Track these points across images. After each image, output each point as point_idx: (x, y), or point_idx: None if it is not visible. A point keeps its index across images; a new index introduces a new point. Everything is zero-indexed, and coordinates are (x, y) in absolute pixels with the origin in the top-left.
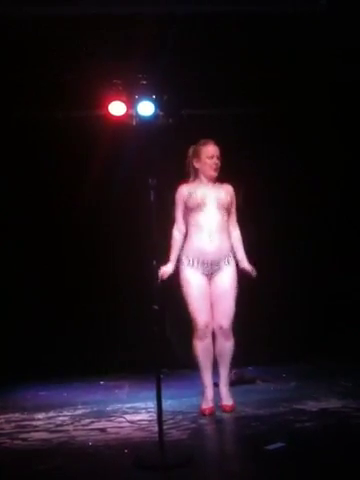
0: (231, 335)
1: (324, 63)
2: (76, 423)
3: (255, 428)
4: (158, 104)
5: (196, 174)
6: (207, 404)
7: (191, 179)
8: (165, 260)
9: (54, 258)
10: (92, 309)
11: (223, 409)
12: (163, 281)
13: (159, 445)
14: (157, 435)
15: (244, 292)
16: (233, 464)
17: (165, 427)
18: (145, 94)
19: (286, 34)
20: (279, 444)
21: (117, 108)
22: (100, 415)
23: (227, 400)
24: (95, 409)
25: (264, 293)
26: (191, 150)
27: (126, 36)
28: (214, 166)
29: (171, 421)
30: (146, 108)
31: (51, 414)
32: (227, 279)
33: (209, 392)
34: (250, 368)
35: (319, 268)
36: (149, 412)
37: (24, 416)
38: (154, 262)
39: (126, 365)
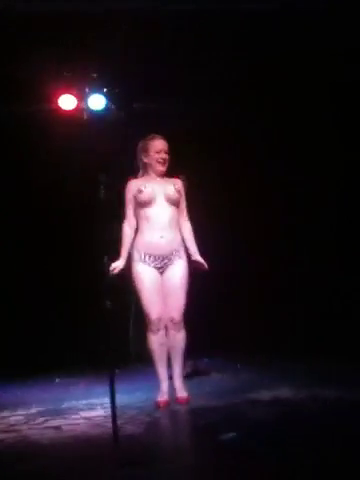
0: (182, 327)
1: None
2: (30, 422)
3: (209, 419)
4: (109, 97)
5: (145, 169)
6: (162, 396)
7: (140, 174)
8: (116, 256)
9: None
10: (47, 306)
11: (178, 401)
12: (115, 276)
13: (114, 441)
14: (112, 431)
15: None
16: (187, 455)
17: (120, 422)
18: (96, 87)
19: (245, 29)
20: (232, 434)
21: (67, 102)
22: (55, 413)
23: (181, 392)
24: (50, 407)
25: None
26: (140, 145)
27: (77, 29)
28: (161, 160)
29: (126, 416)
30: (97, 102)
31: (4, 414)
32: (178, 272)
33: (164, 385)
34: (205, 360)
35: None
36: (105, 408)
37: None
38: (105, 258)
39: (81, 362)
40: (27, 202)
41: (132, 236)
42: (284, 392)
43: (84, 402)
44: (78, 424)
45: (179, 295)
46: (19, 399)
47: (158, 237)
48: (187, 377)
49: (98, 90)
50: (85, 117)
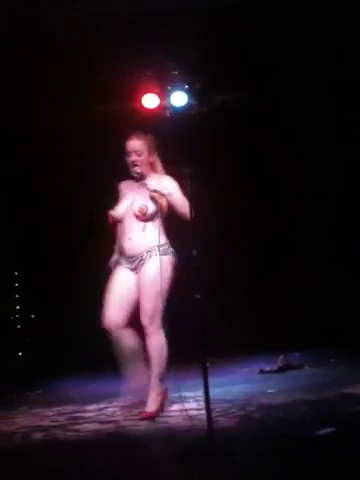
0: (155, 332)
1: None
2: (125, 413)
3: (303, 413)
4: (191, 93)
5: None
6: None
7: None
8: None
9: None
10: None
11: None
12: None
13: (208, 433)
14: (206, 423)
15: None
16: (282, 451)
17: (213, 415)
18: (178, 84)
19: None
20: (328, 429)
21: (150, 100)
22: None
23: (150, 406)
24: (143, 399)
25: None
26: None
27: (155, 26)
28: (131, 164)
29: (219, 409)
30: (179, 98)
31: (101, 405)
32: (148, 274)
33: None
34: (297, 354)
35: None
36: (197, 401)
37: (76, 408)
38: (194, 251)
39: (172, 354)
40: (110, 197)
41: None
42: None
43: (176, 394)
44: (172, 416)
45: (147, 298)
46: (114, 391)
47: (127, 239)
48: (279, 371)
49: (180, 87)
50: (168, 114)
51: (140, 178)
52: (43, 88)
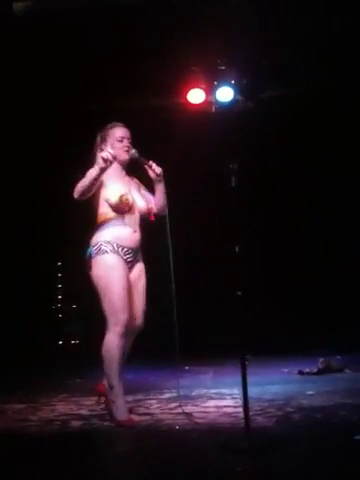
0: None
1: None
2: (163, 407)
3: (343, 417)
4: (237, 89)
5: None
6: (128, 415)
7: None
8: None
9: None
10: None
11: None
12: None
13: (245, 430)
14: (243, 421)
15: None
16: (320, 453)
17: (251, 413)
18: (224, 80)
19: None
20: None
21: (196, 96)
22: (186, 400)
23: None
24: (181, 394)
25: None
26: (98, 136)
27: (203, 22)
28: (126, 148)
29: (256, 408)
30: (225, 94)
31: (139, 397)
32: (144, 275)
33: (124, 400)
34: (338, 357)
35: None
36: (234, 398)
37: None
38: (236, 248)
39: (210, 351)
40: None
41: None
42: None
43: (214, 391)
44: (209, 412)
45: (144, 300)
46: (151, 384)
47: (131, 231)
48: (319, 373)
49: (226, 82)
50: (213, 110)
51: (124, 166)
52: (88, 82)
